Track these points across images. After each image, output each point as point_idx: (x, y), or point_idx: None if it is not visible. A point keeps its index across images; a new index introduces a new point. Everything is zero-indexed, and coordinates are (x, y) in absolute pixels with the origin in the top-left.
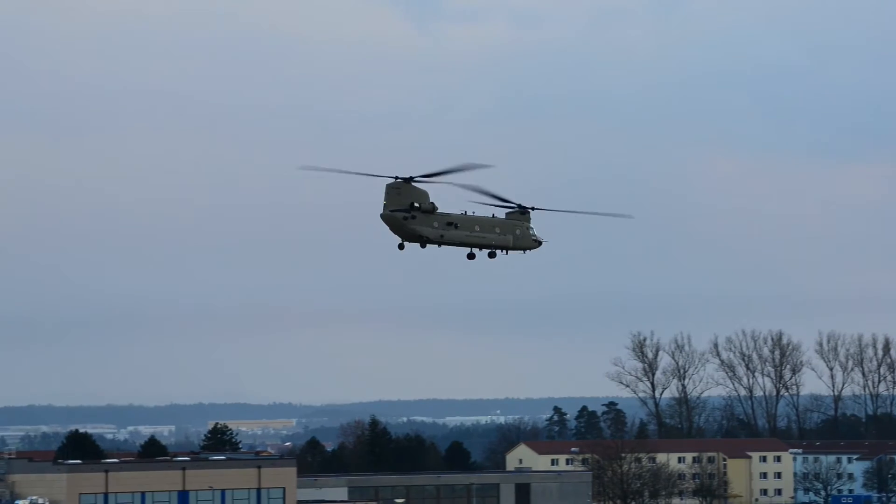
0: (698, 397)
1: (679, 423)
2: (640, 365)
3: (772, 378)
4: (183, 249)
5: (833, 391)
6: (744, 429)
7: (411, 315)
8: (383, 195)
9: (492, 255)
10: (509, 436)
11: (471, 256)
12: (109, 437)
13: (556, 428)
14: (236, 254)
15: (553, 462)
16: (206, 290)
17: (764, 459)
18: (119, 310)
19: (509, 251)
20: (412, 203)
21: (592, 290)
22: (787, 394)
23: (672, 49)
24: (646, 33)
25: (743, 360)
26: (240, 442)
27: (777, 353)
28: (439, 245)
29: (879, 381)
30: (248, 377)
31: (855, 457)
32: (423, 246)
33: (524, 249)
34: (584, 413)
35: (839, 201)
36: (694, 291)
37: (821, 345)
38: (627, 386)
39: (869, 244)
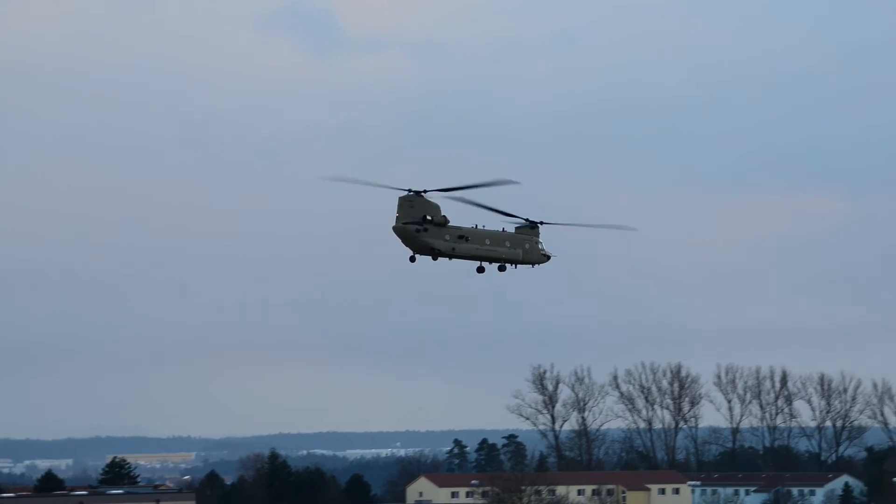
0: (598, 430)
1: (579, 455)
2: (540, 397)
3: (671, 410)
4: (75, 283)
5: (731, 423)
6: (643, 461)
7: (311, 347)
8: (396, 207)
9: (502, 269)
10: (410, 468)
11: (480, 270)
12: (6, 471)
13: (457, 461)
14: (129, 287)
15: (453, 495)
16: (101, 323)
17: (663, 492)
18: (14, 343)
19: (518, 265)
20: (424, 216)
21: (493, 322)
22: (685, 426)
23: (571, 82)
24: (545, 66)
25: (642, 392)
26: (138, 476)
27: (676, 385)
28: (450, 258)
29: (777, 414)
30: (147, 410)
31: (752, 489)
32: (434, 258)
33: (533, 263)
34: (485, 446)
35: (736, 234)
36: (594, 324)
37: (719, 377)
38: (528, 419)
39: (766, 277)
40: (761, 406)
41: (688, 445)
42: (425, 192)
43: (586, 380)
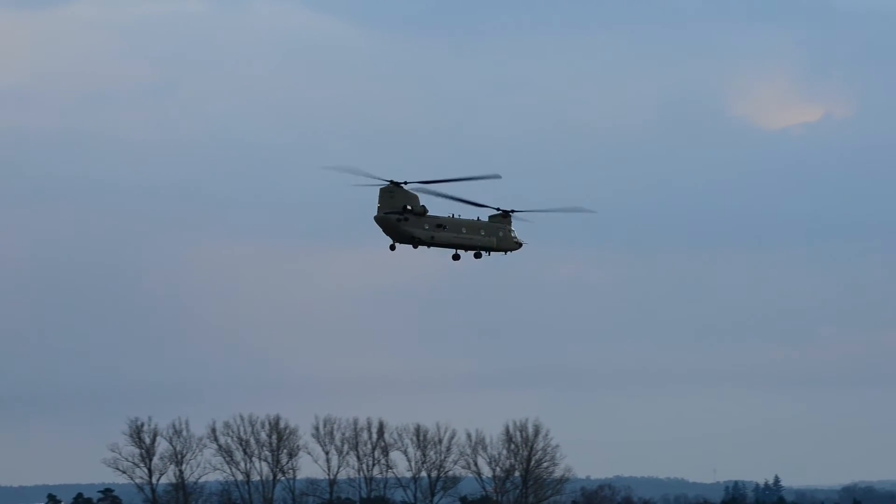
0: (196, 483)
1: None
2: (137, 451)
3: (269, 462)
4: None
5: (328, 475)
6: None
7: None
8: (377, 198)
9: (477, 256)
10: None
11: (456, 257)
12: None
13: None
14: None
15: None
16: None
17: None
18: None
19: (492, 252)
20: (405, 206)
21: (87, 374)
22: (283, 478)
23: (169, 130)
24: (143, 113)
25: (240, 444)
26: None
27: (274, 437)
28: (429, 246)
29: (374, 465)
30: None
31: None
32: (415, 247)
33: (506, 251)
34: (80, 500)
35: (334, 285)
36: (192, 376)
37: (317, 429)
38: (124, 472)
39: (361, 328)
40: (358, 457)
41: (286, 497)
42: (405, 183)
43: (184, 432)
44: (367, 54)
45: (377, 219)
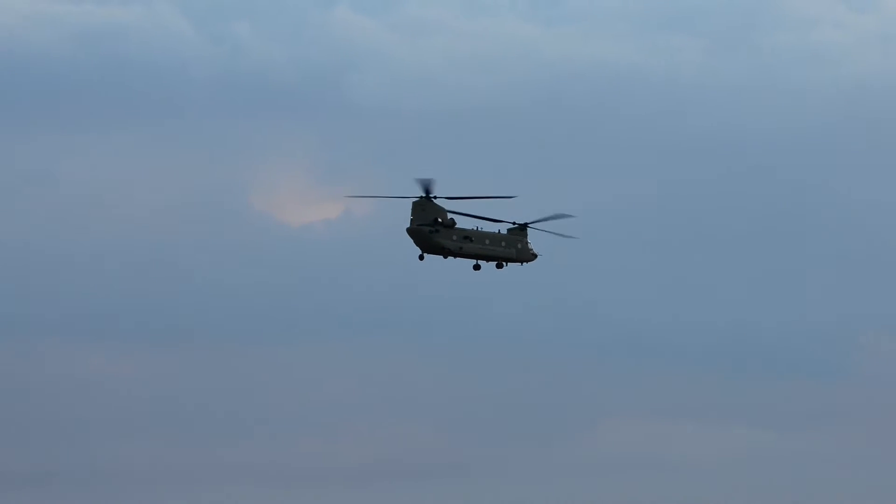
0: None
1: None
2: None
3: None
4: None
5: None
6: None
7: None
8: (410, 211)
9: (499, 266)
10: None
11: (477, 268)
12: None
13: None
14: None
15: None
16: None
17: None
18: None
19: (510, 263)
20: (435, 218)
21: None
22: None
23: None
24: None
25: None
26: None
27: None
28: (456, 256)
29: None
30: None
31: None
32: (445, 257)
33: (523, 262)
34: None
35: None
36: None
37: None
38: None
39: None
40: None
41: None
42: (435, 197)
43: None
44: None
45: (410, 230)
